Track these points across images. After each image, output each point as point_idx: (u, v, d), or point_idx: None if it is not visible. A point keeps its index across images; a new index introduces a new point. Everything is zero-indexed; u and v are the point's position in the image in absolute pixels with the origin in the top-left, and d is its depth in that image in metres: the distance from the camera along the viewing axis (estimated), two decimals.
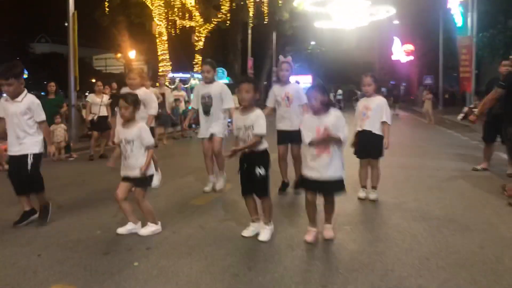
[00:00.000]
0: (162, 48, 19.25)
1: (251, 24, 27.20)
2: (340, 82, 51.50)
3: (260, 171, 4.06)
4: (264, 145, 4.15)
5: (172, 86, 18.88)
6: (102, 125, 9.76)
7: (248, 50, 31.19)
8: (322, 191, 4.09)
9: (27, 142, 4.55)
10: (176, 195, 6.11)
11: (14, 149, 4.58)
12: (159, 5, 19.08)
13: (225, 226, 4.66)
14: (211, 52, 29.11)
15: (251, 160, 4.11)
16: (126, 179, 4.34)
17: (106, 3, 21.23)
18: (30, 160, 4.51)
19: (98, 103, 9.86)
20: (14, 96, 4.54)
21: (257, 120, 4.06)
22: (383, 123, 5.51)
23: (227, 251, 3.89)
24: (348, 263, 3.67)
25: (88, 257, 3.78)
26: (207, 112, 6.03)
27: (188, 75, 20.44)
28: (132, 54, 27.76)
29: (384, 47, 55.73)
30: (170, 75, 20.16)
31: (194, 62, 24.07)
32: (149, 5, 19.30)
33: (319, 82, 15.11)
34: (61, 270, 3.52)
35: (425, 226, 4.68)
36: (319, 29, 37.37)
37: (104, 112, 9.86)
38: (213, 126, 6.02)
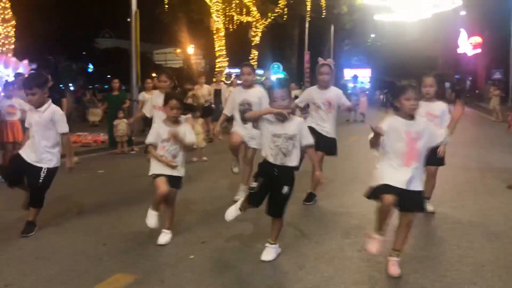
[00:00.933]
0: (220, 44, 19.63)
1: (308, 18, 27.01)
2: (401, 76, 49.93)
3: (287, 190, 3.71)
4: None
5: (228, 82, 19.23)
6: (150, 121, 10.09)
7: (305, 44, 31.05)
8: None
9: (44, 156, 4.45)
10: (231, 190, 6.28)
11: (31, 157, 4.46)
12: (217, 1, 19.42)
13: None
14: (267, 47, 29.30)
15: (281, 175, 3.71)
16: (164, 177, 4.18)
17: (166, 0, 21.87)
18: (43, 174, 4.42)
19: (149, 100, 10.19)
20: (37, 105, 4.47)
21: (302, 129, 3.76)
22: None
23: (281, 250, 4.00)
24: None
25: (148, 248, 4.03)
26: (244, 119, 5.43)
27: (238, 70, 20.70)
28: (190, 49, 28.45)
29: (449, 40, 53.28)
30: (227, 70, 20.50)
31: (250, 58, 24.31)
32: (208, 1, 19.69)
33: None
34: (124, 260, 3.79)
35: (482, 232, 4.56)
36: (379, 22, 36.59)
37: None
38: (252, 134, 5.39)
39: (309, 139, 3.81)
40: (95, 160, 9.32)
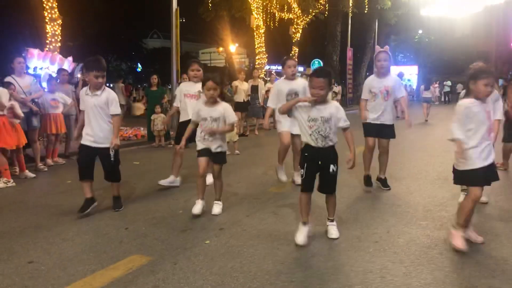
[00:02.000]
0: (259, 41, 19.70)
1: (350, 14, 26.60)
2: (450, 73, 48.22)
3: (334, 168, 3.89)
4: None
5: (268, 79, 19.28)
6: None
7: (348, 40, 30.56)
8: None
9: (107, 135, 4.74)
10: (257, 182, 6.35)
11: (90, 140, 4.73)
12: None
13: (297, 213, 4.77)
14: (308, 44, 29.10)
15: (326, 156, 3.89)
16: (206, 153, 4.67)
17: None
18: (112, 152, 4.71)
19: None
20: (99, 88, 4.74)
21: (338, 112, 3.89)
22: None
23: (293, 237, 4.00)
24: (416, 257, 3.58)
25: (167, 233, 4.15)
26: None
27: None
28: (232, 48, 28.67)
29: (502, 34, 50.91)
30: (267, 67, 20.54)
31: (291, 54, 24.24)
32: None
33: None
34: (142, 243, 3.92)
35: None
36: (425, 17, 35.44)
37: None
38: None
39: (345, 122, 3.91)
40: (132, 153, 9.63)
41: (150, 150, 10.21)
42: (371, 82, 5.72)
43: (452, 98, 33.91)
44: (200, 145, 4.73)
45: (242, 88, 12.73)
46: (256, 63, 19.76)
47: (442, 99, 36.29)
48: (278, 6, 22.34)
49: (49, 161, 7.88)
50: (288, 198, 5.41)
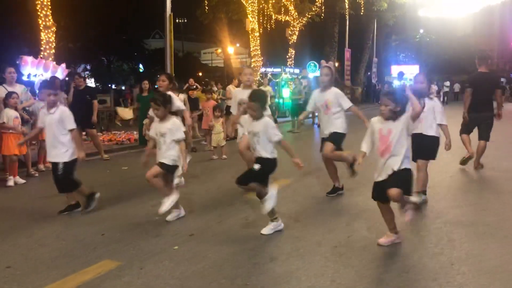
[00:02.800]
0: (254, 44, 19.93)
1: (347, 16, 26.79)
2: (452, 72, 48.26)
3: (256, 166, 4.48)
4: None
5: (262, 80, 19.50)
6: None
7: (346, 41, 30.76)
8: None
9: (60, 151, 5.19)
10: (235, 188, 6.56)
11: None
12: (252, 2, 19.75)
13: (266, 220, 5.02)
14: (305, 45, 29.29)
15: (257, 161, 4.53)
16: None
17: (206, 1, 22.45)
18: (61, 166, 5.16)
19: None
20: (52, 107, 5.19)
21: (267, 128, 4.46)
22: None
23: (257, 242, 4.25)
24: (366, 262, 3.82)
25: (140, 239, 4.42)
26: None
27: (279, 70, 20.93)
28: (231, 49, 28.95)
29: (504, 33, 50.95)
30: (262, 69, 20.79)
31: (287, 56, 24.48)
32: (244, 2, 20.07)
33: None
34: (115, 248, 4.19)
35: (469, 232, 4.62)
36: (423, 18, 35.58)
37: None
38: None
39: (276, 136, 4.38)
40: (123, 158, 9.91)
41: (140, 154, 10.45)
42: (315, 95, 5.96)
43: (449, 98, 34.03)
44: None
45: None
46: (252, 66, 19.99)
47: (441, 99, 36.40)
48: (273, 9, 22.54)
49: (41, 166, 8.16)
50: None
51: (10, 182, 6.92)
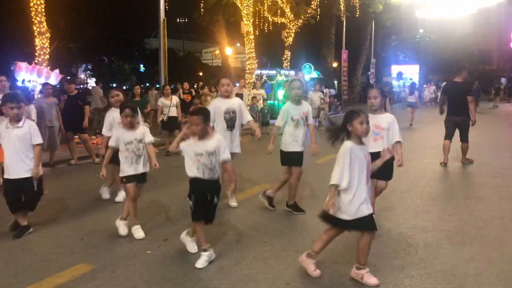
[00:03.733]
0: (249, 47, 20.19)
1: (343, 18, 27.03)
2: (452, 72, 48.24)
3: (216, 200, 4.26)
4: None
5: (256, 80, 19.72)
6: (172, 125, 10.82)
7: (343, 42, 30.99)
8: None
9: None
10: None
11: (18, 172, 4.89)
12: (247, 5, 20.01)
13: (234, 227, 5.31)
14: (302, 47, 29.54)
15: (212, 188, 4.23)
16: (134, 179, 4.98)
17: (202, 4, 22.68)
18: (35, 182, 4.96)
19: (167, 105, 10.93)
20: (18, 120, 4.91)
21: (220, 146, 4.29)
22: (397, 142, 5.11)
23: (227, 246, 4.53)
24: (324, 265, 4.09)
25: (117, 244, 4.71)
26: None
27: (274, 72, 21.17)
28: (228, 51, 29.16)
29: (504, 33, 51.03)
30: (258, 71, 21.05)
31: (283, 58, 24.73)
32: (239, 5, 20.33)
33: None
34: (92, 252, 4.47)
35: (429, 237, 4.89)
36: (423, 18, 35.79)
37: (173, 113, 10.91)
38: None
39: (225, 155, 4.25)
40: None
41: None
42: (290, 109, 5.75)
43: None
44: (128, 170, 4.95)
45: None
46: (247, 68, 20.25)
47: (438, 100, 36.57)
48: (269, 11, 22.80)
49: None
50: (235, 211, 5.93)
51: None
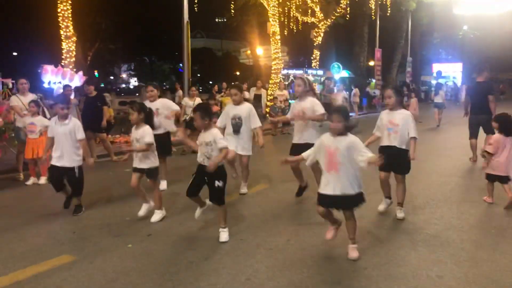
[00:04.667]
0: (275, 47, 20.36)
1: (373, 17, 26.68)
2: (498, 70, 46.47)
3: (219, 183, 4.82)
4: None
5: (286, 83, 19.93)
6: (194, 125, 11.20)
7: (376, 41, 30.56)
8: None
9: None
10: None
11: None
12: (274, 6, 20.19)
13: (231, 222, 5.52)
14: (333, 46, 29.35)
15: (210, 173, 4.78)
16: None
17: (232, 5, 23.07)
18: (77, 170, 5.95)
19: (191, 105, 11.32)
20: (65, 118, 5.98)
21: (216, 138, 4.86)
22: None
23: (204, 242, 4.77)
24: (289, 263, 4.25)
25: (103, 237, 5.05)
26: None
27: (301, 71, 21.25)
28: (259, 51, 29.44)
29: None
30: (284, 71, 21.19)
31: (312, 58, 24.72)
32: (266, 5, 20.54)
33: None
34: (79, 245, 4.83)
35: (405, 240, 4.94)
36: (462, 14, 34.66)
37: None
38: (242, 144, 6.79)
39: (221, 144, 4.79)
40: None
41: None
42: (294, 104, 6.49)
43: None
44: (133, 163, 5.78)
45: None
46: (273, 68, 20.41)
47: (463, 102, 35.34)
48: (298, 11, 22.88)
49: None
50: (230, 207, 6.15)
51: (29, 182, 7.82)
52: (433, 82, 38.36)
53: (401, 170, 5.60)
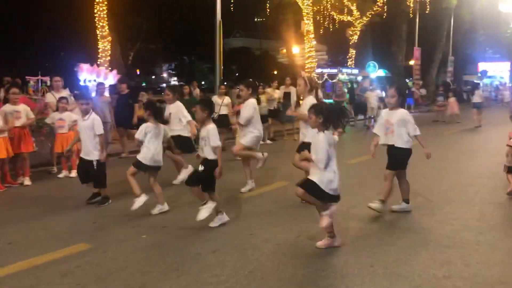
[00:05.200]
0: (309, 46, 20.28)
1: (411, 15, 26.05)
2: None
3: (201, 168, 5.17)
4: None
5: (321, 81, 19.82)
6: (223, 122, 11.35)
7: (415, 39, 29.84)
8: None
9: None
10: (234, 187, 7.20)
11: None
12: (308, 5, 20.12)
13: (247, 218, 5.63)
14: (370, 45, 28.86)
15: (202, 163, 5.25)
16: None
17: (267, 4, 23.18)
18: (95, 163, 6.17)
19: (219, 103, 11.47)
20: (86, 113, 6.21)
21: (209, 133, 5.21)
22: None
23: (215, 234, 4.89)
24: (293, 259, 4.29)
25: (120, 227, 5.27)
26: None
27: (335, 70, 21.06)
28: (295, 49, 29.32)
29: None
30: (319, 70, 21.06)
31: (348, 57, 24.44)
32: (300, 4, 20.50)
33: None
34: (96, 234, 5.05)
35: (417, 241, 4.85)
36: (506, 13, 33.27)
37: (224, 111, 11.45)
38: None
39: (213, 142, 5.08)
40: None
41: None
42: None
43: None
44: None
45: (274, 95, 13.64)
46: (306, 67, 20.34)
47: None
48: (334, 9, 22.71)
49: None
50: (246, 204, 6.26)
51: (61, 174, 8.23)
52: (477, 82, 37.05)
53: (391, 165, 5.66)
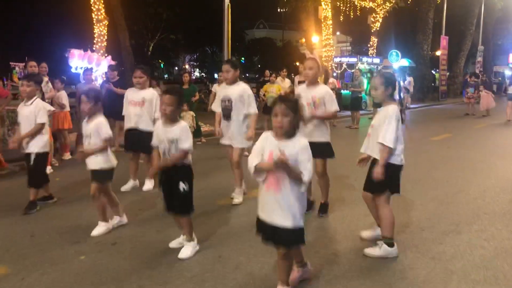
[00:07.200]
0: (327, 33, 18.94)
1: (438, 1, 24.32)
2: None
3: (184, 186, 3.79)
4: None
5: (339, 71, 18.57)
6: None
7: (443, 28, 28.03)
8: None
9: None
10: (218, 192, 6.14)
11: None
12: None
13: (204, 234, 4.55)
14: (393, 33, 27.25)
15: (173, 173, 3.83)
16: None
17: None
18: (33, 157, 5.07)
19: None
20: (28, 98, 5.14)
21: (182, 134, 3.86)
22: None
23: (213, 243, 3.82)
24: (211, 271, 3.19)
25: (58, 245, 4.21)
26: None
27: (355, 59, 19.62)
28: (315, 39, 28.05)
29: None
30: (337, 59, 19.72)
31: (369, 45, 23.02)
32: None
33: None
34: (24, 253, 3.99)
35: (437, 269, 3.69)
36: None
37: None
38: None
39: (184, 144, 3.76)
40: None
41: None
42: (301, 91, 4.93)
43: None
44: None
45: (283, 85, 12.54)
46: (323, 55, 19.04)
47: None
48: None
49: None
50: (207, 215, 5.17)
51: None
52: (507, 73, 34.92)
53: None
